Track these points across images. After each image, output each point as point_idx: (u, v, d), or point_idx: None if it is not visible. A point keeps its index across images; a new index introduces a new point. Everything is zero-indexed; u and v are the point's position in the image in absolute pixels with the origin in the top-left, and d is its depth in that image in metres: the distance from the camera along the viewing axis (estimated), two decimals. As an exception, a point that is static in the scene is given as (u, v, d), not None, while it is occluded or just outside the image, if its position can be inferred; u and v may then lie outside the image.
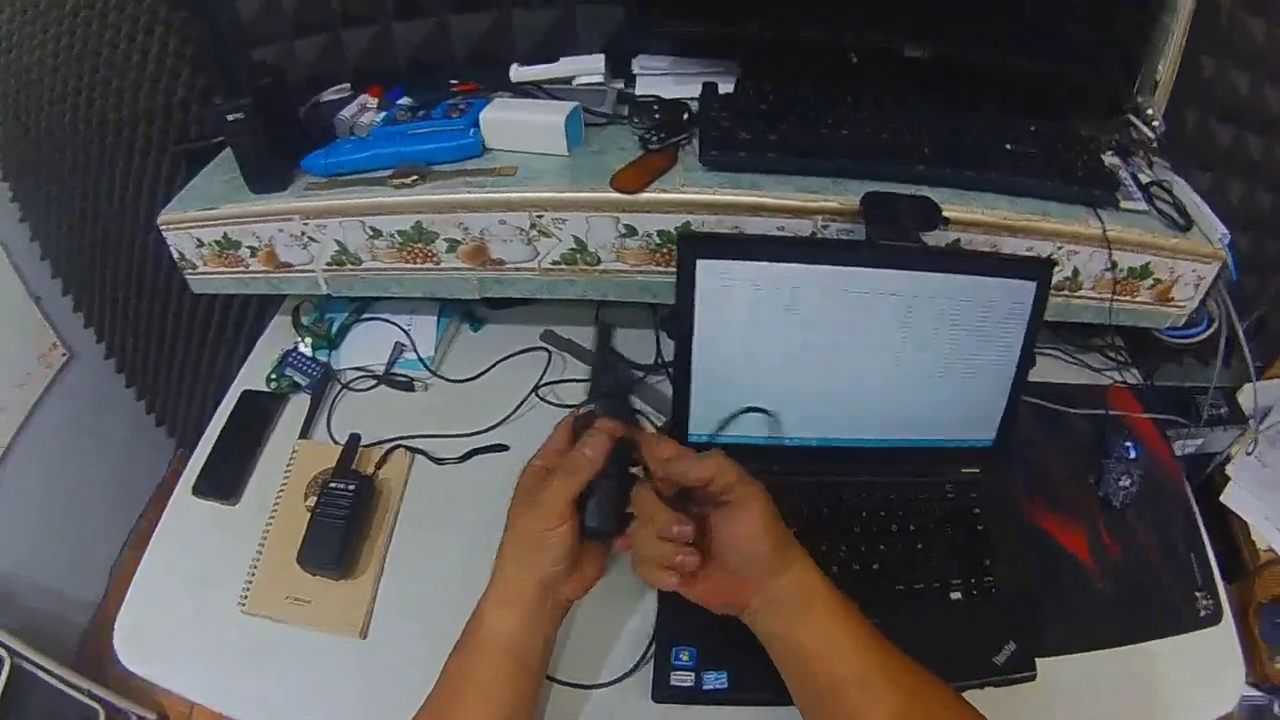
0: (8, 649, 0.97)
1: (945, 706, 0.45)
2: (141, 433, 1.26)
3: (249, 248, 0.70)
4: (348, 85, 0.77)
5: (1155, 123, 0.79)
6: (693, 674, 0.55)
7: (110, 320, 1.10)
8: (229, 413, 0.73)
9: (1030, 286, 0.61)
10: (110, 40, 0.84)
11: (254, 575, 0.62)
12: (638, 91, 0.70)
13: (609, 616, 0.59)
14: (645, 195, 0.61)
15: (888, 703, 0.44)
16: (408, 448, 0.69)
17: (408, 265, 0.68)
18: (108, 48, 0.85)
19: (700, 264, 0.57)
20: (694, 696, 0.55)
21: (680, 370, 0.61)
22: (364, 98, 0.73)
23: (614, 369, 0.49)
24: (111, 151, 0.92)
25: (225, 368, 1.14)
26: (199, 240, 0.71)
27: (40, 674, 1.01)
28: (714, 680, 0.55)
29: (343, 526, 0.62)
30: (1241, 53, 0.74)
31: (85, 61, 0.86)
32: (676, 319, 0.59)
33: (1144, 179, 0.75)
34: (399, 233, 0.66)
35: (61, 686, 1.04)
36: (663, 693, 0.55)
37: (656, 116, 0.65)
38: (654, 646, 0.57)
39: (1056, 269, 0.65)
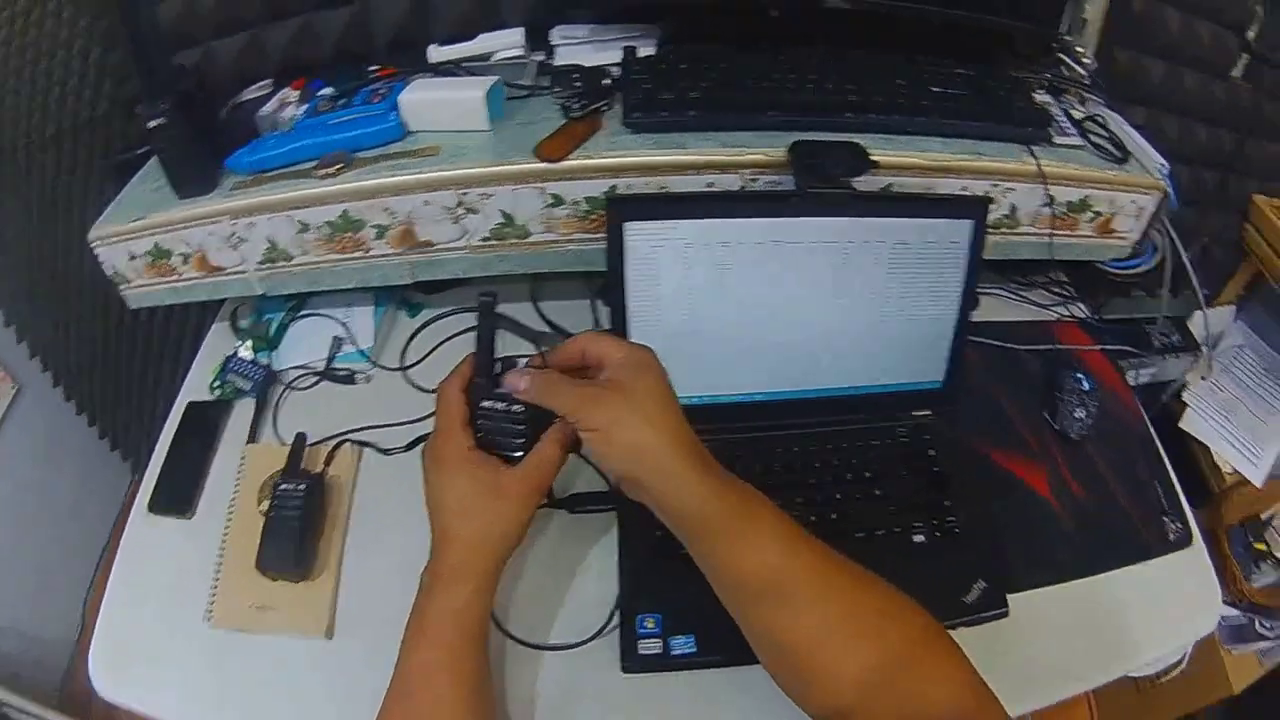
0: (-8, 698, 0.94)
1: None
2: (97, 459, 1.23)
3: (181, 255, 0.69)
4: (269, 82, 0.75)
5: (1086, 60, 0.80)
6: (660, 640, 0.55)
7: (55, 348, 1.07)
8: (176, 426, 0.71)
9: (967, 225, 0.61)
10: (30, 58, 0.82)
11: (217, 587, 0.61)
12: (557, 62, 0.69)
13: (571, 587, 0.59)
14: (570, 162, 0.60)
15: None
16: (354, 441, 0.68)
17: (339, 256, 0.67)
18: (29, 65, 0.82)
19: (628, 226, 0.56)
20: (663, 663, 0.54)
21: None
22: (284, 92, 0.71)
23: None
24: (39, 172, 0.89)
25: (173, 383, 1.10)
26: (130, 253, 0.69)
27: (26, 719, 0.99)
28: (682, 644, 0.54)
29: (297, 527, 0.60)
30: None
31: (5, 83, 0.84)
32: (609, 285, 0.59)
33: (1077, 115, 0.75)
34: (327, 223, 0.65)
35: (50, 729, 1.01)
36: (632, 662, 0.54)
37: (577, 84, 0.64)
38: (619, 617, 0.56)
39: (993, 207, 0.65)
